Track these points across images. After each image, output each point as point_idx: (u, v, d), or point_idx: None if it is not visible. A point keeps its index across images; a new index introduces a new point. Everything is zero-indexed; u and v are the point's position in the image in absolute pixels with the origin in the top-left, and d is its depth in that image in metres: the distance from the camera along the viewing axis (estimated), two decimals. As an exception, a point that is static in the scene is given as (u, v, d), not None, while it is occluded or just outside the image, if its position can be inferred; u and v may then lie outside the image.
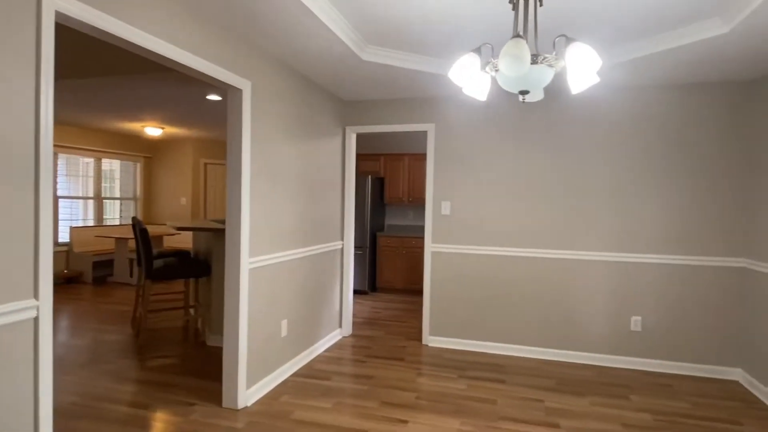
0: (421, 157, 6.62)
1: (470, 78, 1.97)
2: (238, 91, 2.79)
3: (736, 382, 3.44)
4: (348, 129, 4.40)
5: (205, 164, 8.38)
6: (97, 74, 3.96)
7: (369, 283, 6.41)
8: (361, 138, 7.11)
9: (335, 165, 4.27)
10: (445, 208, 4.18)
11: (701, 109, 3.57)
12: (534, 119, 3.95)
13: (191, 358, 3.71)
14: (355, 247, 6.33)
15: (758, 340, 3.26)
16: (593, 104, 3.81)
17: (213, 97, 4.69)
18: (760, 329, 3.25)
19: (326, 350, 4.00)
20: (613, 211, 3.78)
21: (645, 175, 3.70)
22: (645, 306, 3.70)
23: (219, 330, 4.02)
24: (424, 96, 4.17)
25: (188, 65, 2.34)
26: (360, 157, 6.87)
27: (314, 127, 3.80)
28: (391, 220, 7.08)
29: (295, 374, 3.44)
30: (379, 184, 6.77)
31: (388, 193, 6.76)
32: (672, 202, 3.65)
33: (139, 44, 2.04)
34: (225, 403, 2.87)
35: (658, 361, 3.67)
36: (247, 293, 2.89)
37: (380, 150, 7.04)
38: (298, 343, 3.59)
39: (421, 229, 6.77)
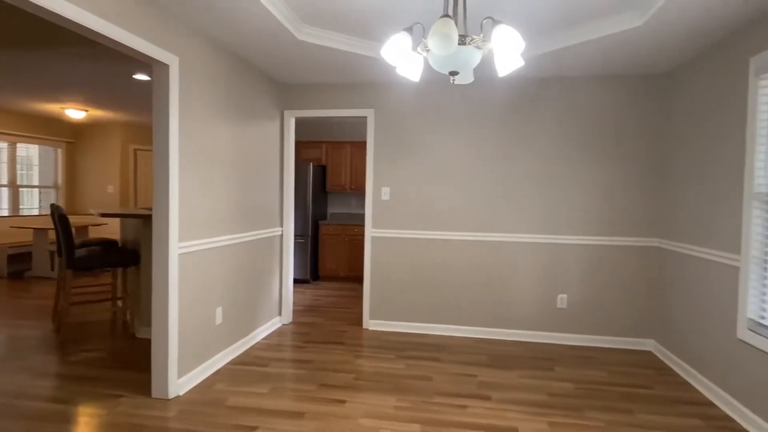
0: (363, 146, 6.62)
1: (403, 58, 1.99)
2: (164, 67, 2.65)
3: (650, 353, 3.76)
4: (286, 113, 4.31)
5: (135, 150, 7.92)
6: (3, 47, 3.61)
7: (311, 272, 6.36)
8: (303, 125, 7.00)
9: (273, 150, 4.17)
10: (385, 194, 4.22)
11: (620, 99, 3.82)
12: (464, 105, 4.06)
13: (119, 351, 3.52)
14: (297, 235, 6.25)
15: (669, 314, 3.57)
16: (521, 92, 3.97)
17: (140, 76, 4.43)
18: (671, 304, 3.56)
19: (265, 338, 3.94)
20: (539, 196, 3.98)
21: (567, 161, 3.92)
22: (570, 285, 3.94)
23: (149, 322, 3.84)
24: (363, 81, 4.17)
25: (107, 35, 2.19)
26: (302, 145, 6.76)
27: (250, 110, 3.69)
28: (334, 208, 7.04)
29: (231, 362, 3.36)
30: (321, 172, 6.71)
31: (330, 181, 6.71)
32: (592, 186, 3.89)
33: (48, 8, 1.88)
34: (155, 393, 2.75)
35: (581, 336, 3.93)
36: (176, 279, 2.78)
37: (322, 137, 6.96)
38: (234, 330, 3.51)
39: (363, 217, 6.79)
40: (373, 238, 4.24)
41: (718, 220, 2.90)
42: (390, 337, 4.02)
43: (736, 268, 2.70)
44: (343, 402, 2.75)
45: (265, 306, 4.04)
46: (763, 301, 2.52)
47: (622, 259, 3.86)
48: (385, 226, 4.22)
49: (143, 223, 3.91)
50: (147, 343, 3.71)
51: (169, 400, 2.72)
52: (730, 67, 2.84)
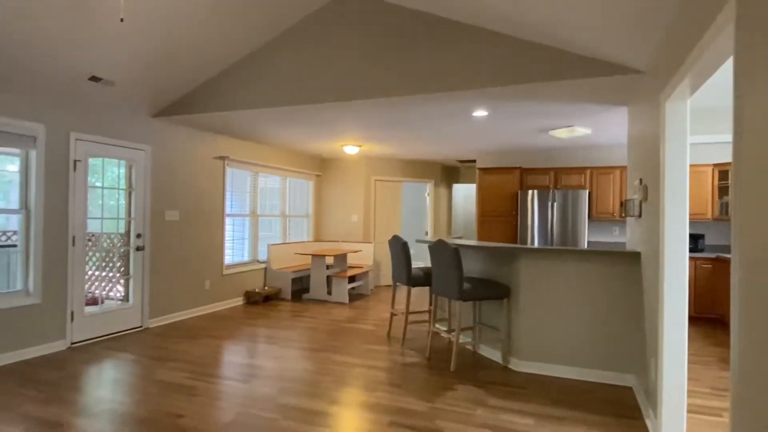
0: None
1: None
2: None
3: None
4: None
5: (376, 181, 8.43)
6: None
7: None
8: (532, 153, 6.86)
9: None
10: None
11: None
12: None
13: (522, 385, 3.54)
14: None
15: None
16: None
17: (480, 113, 4.61)
18: None
19: (648, 379, 3.71)
20: None
21: None
22: None
23: (526, 356, 3.84)
24: None
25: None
26: (528, 171, 6.63)
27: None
28: (593, 236, 6.75)
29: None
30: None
31: (595, 209, 6.46)
32: None
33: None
34: (651, 440, 2.63)
35: None
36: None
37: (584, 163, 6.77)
38: None
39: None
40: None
41: None
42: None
43: None
44: None
45: (639, 345, 3.83)
46: None
47: None
48: None
49: (512, 257, 3.97)
50: (530, 378, 3.69)
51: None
52: None
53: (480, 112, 4.61)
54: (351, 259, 8.06)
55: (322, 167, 8.64)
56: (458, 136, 5.97)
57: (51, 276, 4.23)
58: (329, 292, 6.96)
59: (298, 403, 3.13)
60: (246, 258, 6.90)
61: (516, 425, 2.85)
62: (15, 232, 4.90)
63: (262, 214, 7.21)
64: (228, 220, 6.48)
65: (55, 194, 4.25)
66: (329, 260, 7.60)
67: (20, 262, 4.12)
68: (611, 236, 6.72)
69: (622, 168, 6.40)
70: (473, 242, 4.56)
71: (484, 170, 7.12)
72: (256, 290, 6.67)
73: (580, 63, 3.37)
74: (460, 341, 4.51)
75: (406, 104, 4.25)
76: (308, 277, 7.71)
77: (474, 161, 8.39)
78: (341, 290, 6.74)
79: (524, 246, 4.00)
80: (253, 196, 7.01)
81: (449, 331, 4.47)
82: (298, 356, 4.16)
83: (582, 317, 3.71)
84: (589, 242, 6.72)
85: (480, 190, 7.12)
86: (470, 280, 4.12)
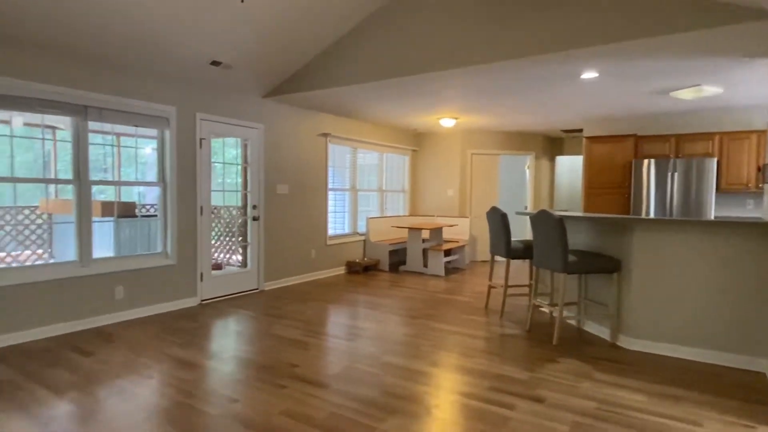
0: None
1: None
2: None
3: None
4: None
5: (472, 155, 8.28)
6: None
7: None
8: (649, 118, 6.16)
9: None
10: None
11: None
12: None
13: (633, 363, 3.33)
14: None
15: None
16: None
17: (589, 74, 4.29)
18: None
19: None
20: None
21: None
22: None
23: (637, 334, 3.60)
24: None
25: None
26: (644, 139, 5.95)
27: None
28: (720, 210, 6.02)
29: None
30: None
31: (725, 180, 5.74)
32: None
33: None
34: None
35: None
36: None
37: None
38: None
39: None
40: None
41: None
42: None
43: None
44: None
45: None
46: None
47: None
48: None
49: (626, 229, 3.70)
50: (641, 356, 3.45)
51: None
52: None
53: (589, 74, 4.29)
54: (446, 234, 8.07)
55: (418, 142, 8.68)
56: (564, 102, 5.62)
57: (184, 241, 4.83)
58: (425, 265, 7.07)
59: (400, 362, 3.28)
60: (346, 230, 7.24)
61: (625, 400, 2.71)
62: (153, 206, 5.65)
63: (360, 188, 7.48)
64: (330, 194, 6.83)
65: (185, 169, 4.81)
66: (425, 234, 7.69)
67: (160, 229, 4.76)
68: (744, 210, 5.93)
69: (760, 133, 5.58)
70: (580, 213, 4.33)
71: (592, 139, 6.64)
72: (357, 260, 7.00)
73: (720, 8, 2.98)
74: (563, 316, 4.36)
75: (510, 69, 4.10)
76: (405, 249, 7.89)
77: (581, 130, 7.86)
78: (437, 263, 6.80)
79: (640, 217, 3.71)
80: (352, 171, 7.29)
81: (552, 305, 4.32)
82: (398, 321, 4.33)
83: (706, 295, 3.37)
84: (716, 217, 6.01)
85: (587, 161, 6.67)
86: (575, 252, 3.93)
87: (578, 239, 4.34)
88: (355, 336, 3.87)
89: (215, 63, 4.52)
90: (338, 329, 4.07)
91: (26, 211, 4.99)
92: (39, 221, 4.98)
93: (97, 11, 3.42)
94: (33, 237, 4.95)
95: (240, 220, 5.63)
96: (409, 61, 4.33)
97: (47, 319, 3.81)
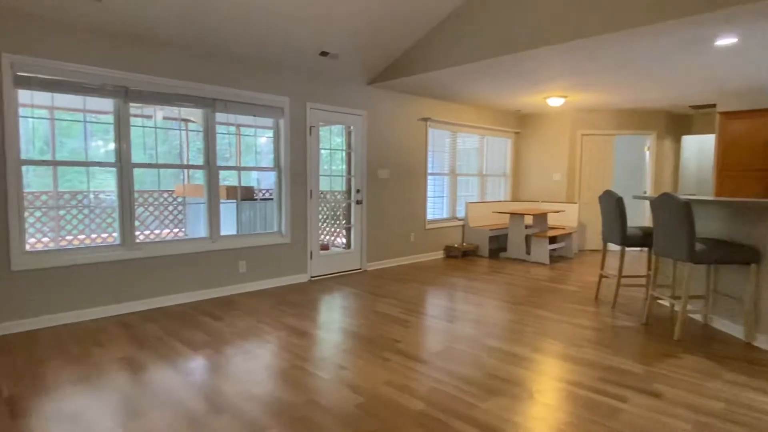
0: None
1: None
2: None
3: None
4: None
5: (582, 135, 7.74)
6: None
7: None
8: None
9: None
10: None
11: None
12: None
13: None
14: None
15: None
16: None
17: (725, 40, 3.78)
18: None
19: None
20: None
21: None
22: None
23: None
24: None
25: None
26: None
27: None
28: None
29: None
30: None
31: None
32: None
33: None
34: None
35: None
36: None
37: None
38: None
39: None
40: None
41: None
42: None
43: None
44: None
45: None
46: None
47: None
48: None
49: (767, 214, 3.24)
50: (791, 360, 3.02)
51: None
52: None
53: (726, 40, 3.78)
54: (552, 220, 7.69)
55: (522, 124, 8.33)
56: (693, 74, 5.01)
57: (296, 222, 5.21)
58: (528, 252, 6.82)
59: (501, 345, 3.25)
60: (445, 215, 7.24)
61: (760, 404, 2.42)
62: (268, 190, 6.14)
63: (460, 173, 7.41)
64: (429, 179, 6.86)
65: (297, 156, 5.17)
66: (528, 220, 7.41)
67: (275, 210, 5.18)
68: None
69: None
70: (711, 197, 3.86)
71: (727, 114, 5.85)
72: (455, 245, 6.98)
73: None
74: (687, 309, 3.95)
75: (631, 39, 3.77)
76: (505, 236, 7.68)
77: (713, 105, 6.94)
78: (541, 251, 6.53)
79: (786, 200, 3.22)
80: (451, 156, 7.25)
81: (674, 297, 3.95)
82: (498, 306, 4.26)
83: None
84: None
85: (721, 139, 5.90)
86: (704, 240, 3.53)
87: (707, 226, 3.89)
88: (454, 318, 3.90)
89: (324, 53, 4.76)
90: (438, 310, 4.13)
91: (165, 195, 5.75)
92: (175, 203, 5.71)
93: (226, 8, 3.80)
94: (170, 217, 5.70)
95: (344, 204, 5.92)
96: (509, 39, 4.17)
97: (184, 287, 4.38)
